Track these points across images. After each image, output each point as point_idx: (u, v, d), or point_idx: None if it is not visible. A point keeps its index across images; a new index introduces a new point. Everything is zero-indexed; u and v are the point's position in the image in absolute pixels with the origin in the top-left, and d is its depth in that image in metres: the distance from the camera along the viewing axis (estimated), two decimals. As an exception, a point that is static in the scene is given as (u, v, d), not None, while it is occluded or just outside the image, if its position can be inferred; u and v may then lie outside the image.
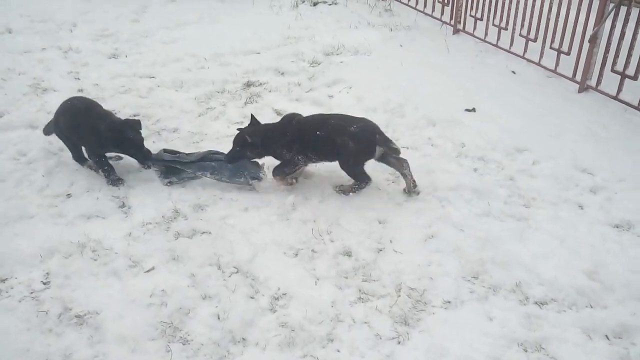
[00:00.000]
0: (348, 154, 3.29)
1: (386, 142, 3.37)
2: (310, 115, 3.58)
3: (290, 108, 4.78)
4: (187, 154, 3.67)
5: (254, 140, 3.39)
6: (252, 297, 2.75)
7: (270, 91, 5.19)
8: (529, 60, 5.36)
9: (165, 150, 3.71)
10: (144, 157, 3.52)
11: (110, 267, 2.88)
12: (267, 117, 4.57)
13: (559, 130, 4.29)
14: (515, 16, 5.44)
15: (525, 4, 5.34)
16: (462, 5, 6.23)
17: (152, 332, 2.55)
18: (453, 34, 6.39)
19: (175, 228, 3.20)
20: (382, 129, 3.52)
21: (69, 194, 3.58)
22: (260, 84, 5.34)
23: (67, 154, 3.92)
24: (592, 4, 4.74)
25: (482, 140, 4.12)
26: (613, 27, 4.50)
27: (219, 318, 2.63)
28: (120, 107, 4.82)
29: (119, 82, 5.38)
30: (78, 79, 5.48)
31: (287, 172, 3.45)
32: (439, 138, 4.16)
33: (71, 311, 2.66)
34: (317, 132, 3.32)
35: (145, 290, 2.72)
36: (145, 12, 7.46)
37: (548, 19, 5.09)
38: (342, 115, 3.53)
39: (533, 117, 4.50)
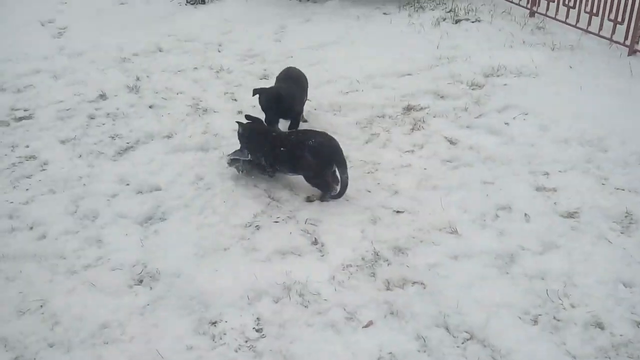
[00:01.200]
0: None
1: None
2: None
3: (463, 136, 4.41)
4: None
5: None
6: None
7: (434, 116, 4.83)
8: None
9: None
10: None
11: (326, 318, 2.64)
12: (440, 146, 4.23)
13: None
14: None
15: None
16: (643, 23, 5.53)
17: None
18: (628, 55, 5.69)
19: (382, 275, 2.91)
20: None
21: (257, 226, 3.42)
22: (422, 108, 5.00)
23: (243, 180, 3.83)
24: None
25: None
26: None
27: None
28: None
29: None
30: (235, 100, 5.45)
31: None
32: (661, 178, 3.57)
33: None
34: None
35: (371, 351, 2.43)
36: (284, 32, 7.42)
37: None
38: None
39: None
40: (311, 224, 3.40)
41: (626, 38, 5.75)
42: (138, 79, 5.93)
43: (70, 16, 8.29)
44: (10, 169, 4.26)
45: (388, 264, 2.99)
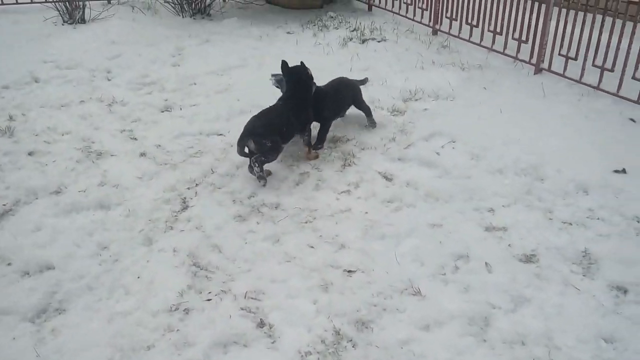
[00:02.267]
0: None
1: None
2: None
3: (397, 170, 4.14)
4: None
5: None
6: None
7: (363, 148, 4.52)
8: (645, 106, 4.83)
9: None
10: None
11: None
12: (376, 184, 3.91)
13: None
14: (627, 57, 4.90)
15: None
16: (545, 43, 5.70)
17: None
18: (535, 73, 5.85)
19: (350, 361, 2.46)
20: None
21: (185, 309, 2.82)
22: (348, 139, 4.67)
23: (160, 242, 3.20)
24: None
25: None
26: None
27: None
28: (197, 174, 4.09)
29: (184, 142, 4.64)
30: (134, 138, 4.73)
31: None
32: (602, 210, 3.52)
33: None
34: None
35: None
36: (181, 55, 6.77)
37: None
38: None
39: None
40: (252, 298, 2.88)
41: (531, 57, 5.90)
42: (11, 118, 4.98)
43: None
44: None
45: (353, 346, 2.55)
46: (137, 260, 3.20)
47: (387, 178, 4.05)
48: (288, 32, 7.77)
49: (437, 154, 4.35)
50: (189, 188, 3.97)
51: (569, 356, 2.45)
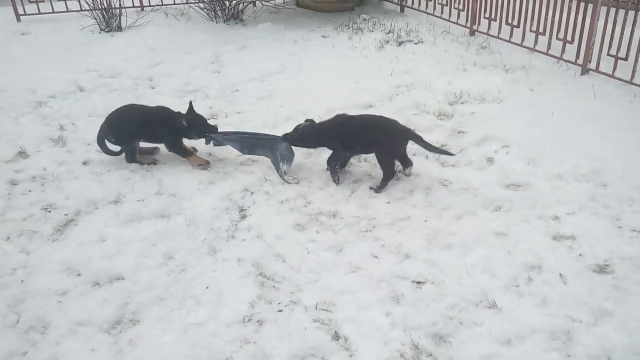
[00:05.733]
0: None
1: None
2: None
3: (452, 176, 4.09)
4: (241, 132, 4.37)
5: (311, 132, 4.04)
6: None
7: (414, 154, 4.46)
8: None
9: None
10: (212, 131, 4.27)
11: None
12: (432, 191, 3.87)
13: None
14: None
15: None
16: (593, 43, 5.59)
17: None
18: (582, 74, 5.74)
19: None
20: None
21: (259, 320, 2.82)
22: (397, 145, 4.62)
23: (224, 250, 3.22)
24: None
25: None
26: None
27: None
28: (250, 182, 4.10)
29: (235, 150, 4.64)
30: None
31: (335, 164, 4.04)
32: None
33: None
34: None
35: None
36: (220, 62, 6.80)
37: None
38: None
39: None
40: (323, 309, 2.87)
41: (577, 57, 5.79)
42: (62, 127, 5.05)
43: (-40, 50, 7.07)
44: None
45: (434, 360, 2.53)
46: (204, 270, 3.22)
47: (443, 184, 4.01)
48: (323, 36, 7.77)
49: (492, 159, 4.30)
50: (244, 197, 3.98)
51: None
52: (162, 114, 4.35)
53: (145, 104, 4.66)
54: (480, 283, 2.94)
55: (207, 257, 3.34)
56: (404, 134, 3.94)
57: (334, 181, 4.05)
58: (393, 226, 3.54)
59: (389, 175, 3.93)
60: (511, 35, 6.63)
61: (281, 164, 4.07)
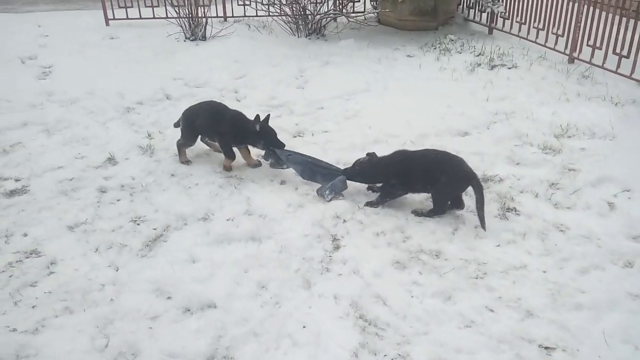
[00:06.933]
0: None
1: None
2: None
3: (569, 222, 3.67)
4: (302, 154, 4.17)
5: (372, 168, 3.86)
6: None
7: (521, 191, 4.09)
8: None
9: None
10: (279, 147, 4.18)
11: None
12: (548, 236, 3.47)
13: None
14: None
15: None
16: None
17: None
18: None
19: None
20: None
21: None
22: (501, 179, 4.26)
23: (320, 285, 2.95)
24: None
25: None
26: None
27: None
28: (342, 209, 3.84)
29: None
30: (272, 166, 4.55)
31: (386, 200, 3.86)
32: None
33: None
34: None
35: None
36: (304, 77, 6.63)
37: None
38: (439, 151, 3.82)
39: None
40: (438, 367, 2.54)
41: (701, 95, 5.22)
42: (149, 136, 4.99)
43: (54, 52, 7.28)
44: (6, 271, 3.24)
45: None
46: (299, 305, 2.97)
47: (559, 229, 3.61)
48: (408, 55, 7.48)
49: (612, 204, 3.86)
50: (336, 225, 3.72)
51: None
52: (238, 114, 4.36)
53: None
54: (622, 357, 2.53)
55: (302, 290, 3.09)
56: (468, 180, 3.65)
57: (374, 206, 3.89)
58: (508, 275, 3.17)
59: (438, 212, 3.75)
60: (618, 66, 6.11)
61: (327, 192, 3.93)
